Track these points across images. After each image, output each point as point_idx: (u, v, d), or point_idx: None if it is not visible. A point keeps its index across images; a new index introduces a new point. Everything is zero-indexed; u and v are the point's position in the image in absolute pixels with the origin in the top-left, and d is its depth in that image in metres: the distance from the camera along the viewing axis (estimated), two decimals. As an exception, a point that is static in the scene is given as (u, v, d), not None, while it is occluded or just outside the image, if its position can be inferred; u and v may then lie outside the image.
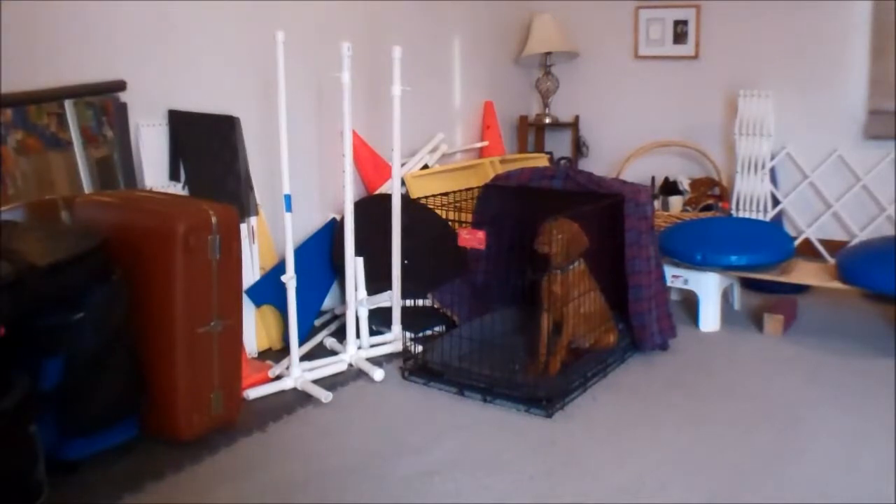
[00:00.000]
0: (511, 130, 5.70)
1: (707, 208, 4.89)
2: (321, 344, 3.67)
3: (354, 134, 4.01)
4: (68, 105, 3.05)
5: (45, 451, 2.29)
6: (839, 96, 4.81)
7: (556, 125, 5.69)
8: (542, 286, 3.25)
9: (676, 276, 3.89)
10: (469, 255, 3.71)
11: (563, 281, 3.21)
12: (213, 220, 2.66)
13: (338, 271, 3.89)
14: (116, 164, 3.20)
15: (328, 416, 2.93)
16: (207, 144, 3.39)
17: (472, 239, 3.09)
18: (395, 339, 3.62)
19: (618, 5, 5.41)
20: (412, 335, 3.47)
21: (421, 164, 4.62)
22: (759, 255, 3.81)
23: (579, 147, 5.63)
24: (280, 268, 3.34)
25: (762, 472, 2.56)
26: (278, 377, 3.24)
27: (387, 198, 3.70)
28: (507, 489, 2.48)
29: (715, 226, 4.13)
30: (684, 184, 5.09)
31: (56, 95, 3.01)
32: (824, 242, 4.87)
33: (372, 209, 3.88)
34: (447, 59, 5.05)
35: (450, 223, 3.25)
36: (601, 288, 3.39)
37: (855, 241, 4.61)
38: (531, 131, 5.75)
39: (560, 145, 5.73)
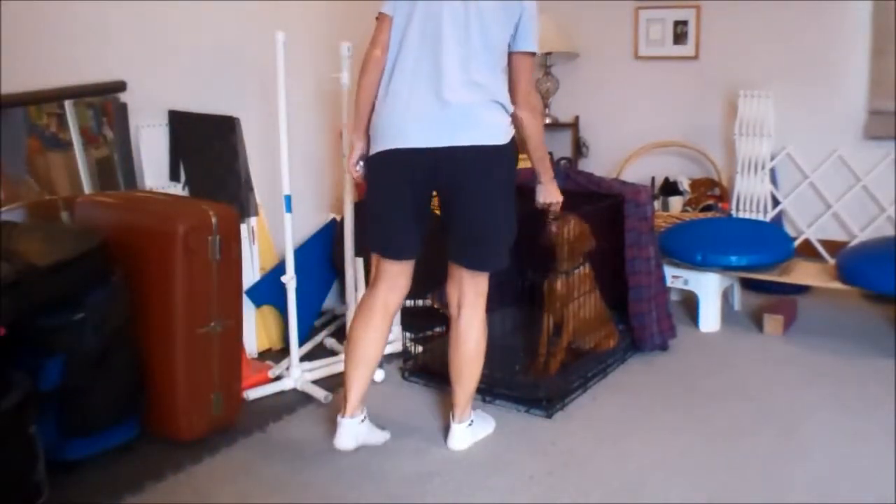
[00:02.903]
0: (511, 131, 5.69)
1: (707, 209, 4.89)
2: (321, 344, 3.67)
3: (354, 134, 4.01)
4: (68, 105, 3.05)
5: (45, 452, 2.29)
6: (839, 96, 4.80)
7: (556, 125, 5.68)
8: (545, 287, 3.25)
9: (676, 277, 3.89)
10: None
11: (564, 283, 3.21)
12: (213, 220, 2.66)
13: (338, 271, 3.89)
14: (116, 164, 3.20)
15: (328, 417, 2.93)
16: (207, 145, 3.39)
17: (472, 239, 3.09)
18: (394, 339, 3.62)
19: (618, 5, 5.41)
20: (412, 335, 3.46)
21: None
22: (759, 256, 3.81)
23: (579, 147, 5.63)
24: (280, 268, 3.34)
25: (762, 473, 2.56)
26: (278, 377, 3.24)
27: (387, 198, 3.70)
28: (507, 489, 2.48)
29: (715, 226, 4.13)
30: (684, 184, 5.08)
31: (56, 96, 3.01)
32: (824, 243, 4.86)
33: (372, 209, 3.88)
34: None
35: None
36: (601, 289, 3.38)
37: (855, 242, 4.61)
38: (533, 131, 5.74)
39: (560, 145, 5.72)
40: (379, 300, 2.64)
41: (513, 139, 2.56)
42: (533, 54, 2.55)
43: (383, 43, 2.52)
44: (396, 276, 2.64)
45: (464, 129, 2.45)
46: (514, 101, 2.54)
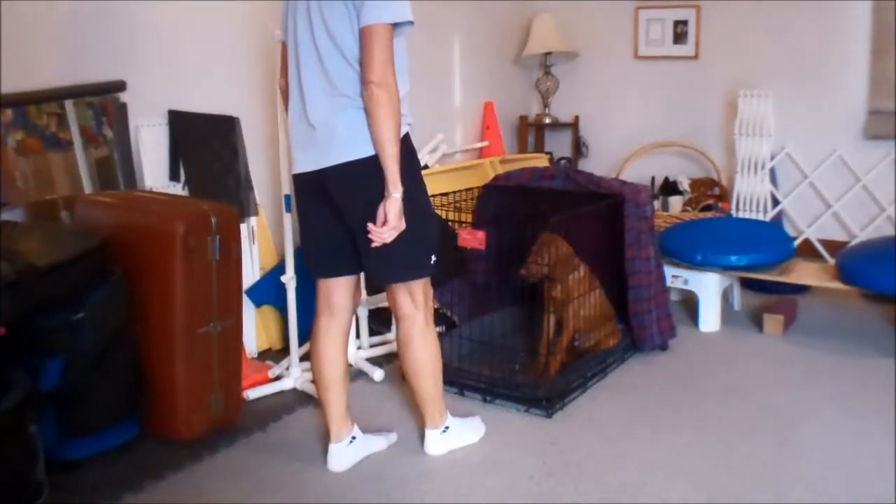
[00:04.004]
0: (511, 130, 5.70)
1: (707, 208, 4.89)
2: (321, 344, 3.66)
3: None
4: (68, 105, 3.05)
5: (45, 451, 2.29)
6: (839, 96, 4.81)
7: (556, 125, 5.69)
8: (545, 290, 3.25)
9: (676, 276, 3.89)
10: (469, 255, 3.71)
11: (563, 288, 3.21)
12: (213, 220, 2.66)
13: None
14: (116, 164, 3.20)
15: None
16: (207, 145, 3.39)
17: (472, 239, 3.09)
18: (394, 339, 3.62)
19: (618, 5, 5.41)
20: (412, 335, 3.45)
21: (421, 165, 4.61)
22: (759, 256, 3.81)
23: (579, 147, 5.63)
24: (280, 268, 3.34)
25: (762, 472, 2.56)
26: (278, 377, 3.24)
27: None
28: (507, 489, 2.48)
29: (715, 226, 4.13)
30: (684, 184, 5.09)
31: (56, 95, 3.01)
32: (824, 242, 4.87)
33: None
34: (447, 60, 5.05)
35: (449, 223, 3.25)
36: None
37: (855, 242, 4.61)
38: (531, 131, 5.75)
39: (560, 145, 5.73)
40: (321, 322, 2.57)
41: (402, 139, 2.33)
42: (387, 26, 2.22)
43: (283, 70, 2.51)
44: (329, 295, 2.55)
45: (330, 150, 2.34)
46: (364, 77, 2.23)
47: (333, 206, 2.43)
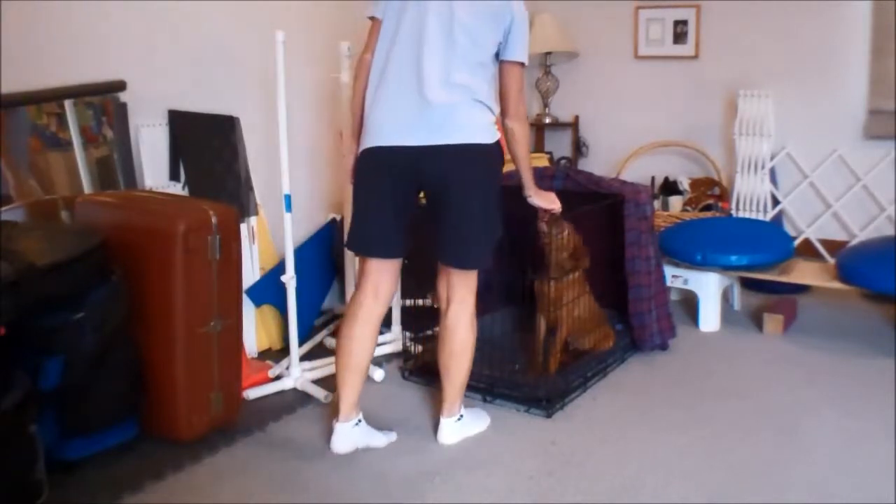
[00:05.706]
0: (511, 130, 5.69)
1: (707, 208, 4.89)
2: (321, 344, 3.67)
3: (354, 134, 4.01)
4: (68, 105, 3.05)
5: (45, 451, 2.29)
6: (839, 96, 4.81)
7: (556, 125, 5.69)
8: (536, 289, 3.25)
9: (676, 276, 3.89)
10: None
11: (554, 288, 3.21)
12: (213, 220, 2.66)
13: (338, 271, 3.89)
14: (116, 164, 3.20)
15: (328, 416, 2.93)
16: (207, 144, 3.39)
17: (472, 239, 3.08)
18: (394, 338, 3.62)
19: (618, 5, 5.41)
20: (412, 335, 3.46)
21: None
22: (759, 255, 3.81)
23: (579, 147, 5.63)
24: (280, 268, 3.34)
25: (762, 472, 2.56)
26: (278, 377, 3.24)
27: (387, 198, 3.70)
28: (507, 489, 2.48)
29: (715, 226, 4.13)
30: (684, 184, 5.09)
31: (56, 95, 3.01)
32: (824, 242, 4.87)
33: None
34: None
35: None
36: (601, 288, 3.38)
37: (855, 241, 4.61)
38: (531, 131, 5.74)
39: (560, 145, 5.72)
40: (364, 303, 2.63)
41: (498, 140, 2.56)
42: (522, 65, 2.55)
43: (372, 46, 2.58)
44: (380, 277, 2.64)
45: (445, 129, 2.46)
46: (504, 110, 2.56)
47: (412, 186, 2.55)
